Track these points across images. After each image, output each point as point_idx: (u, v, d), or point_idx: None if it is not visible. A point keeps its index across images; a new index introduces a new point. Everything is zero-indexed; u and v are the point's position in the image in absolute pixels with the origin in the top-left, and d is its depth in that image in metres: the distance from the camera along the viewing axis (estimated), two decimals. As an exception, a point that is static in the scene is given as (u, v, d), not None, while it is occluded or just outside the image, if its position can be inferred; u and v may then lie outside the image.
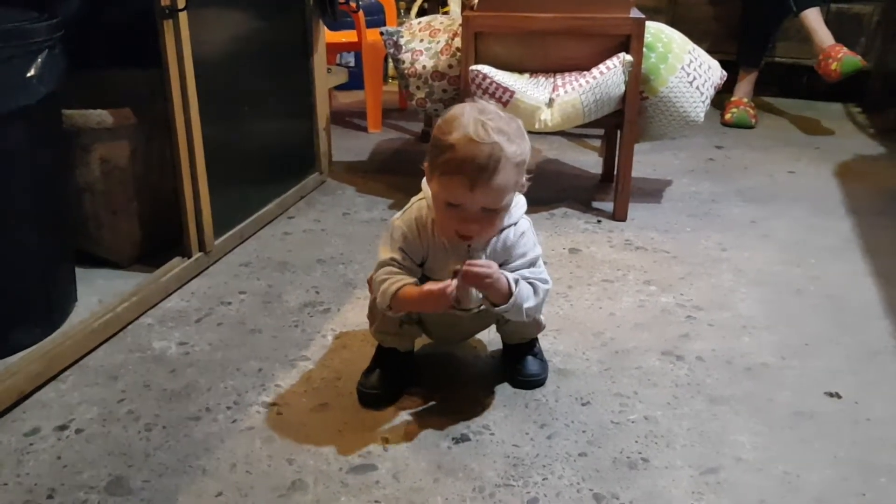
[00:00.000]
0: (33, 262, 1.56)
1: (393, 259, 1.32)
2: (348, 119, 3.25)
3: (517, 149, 1.20)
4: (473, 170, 1.17)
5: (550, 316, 1.52)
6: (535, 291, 1.31)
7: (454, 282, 1.21)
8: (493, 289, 1.26)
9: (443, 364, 1.53)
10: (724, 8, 3.49)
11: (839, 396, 1.42)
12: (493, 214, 1.23)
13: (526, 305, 1.29)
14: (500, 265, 1.29)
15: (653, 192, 2.46)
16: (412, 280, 1.30)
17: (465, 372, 1.51)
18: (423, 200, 1.33)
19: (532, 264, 1.33)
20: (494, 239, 1.32)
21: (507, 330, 1.47)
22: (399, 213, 1.35)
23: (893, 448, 1.28)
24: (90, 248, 1.86)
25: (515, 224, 1.33)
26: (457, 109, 1.22)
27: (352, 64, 3.57)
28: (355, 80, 3.31)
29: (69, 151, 1.73)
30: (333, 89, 3.11)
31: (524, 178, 1.25)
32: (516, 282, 1.28)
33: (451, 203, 1.22)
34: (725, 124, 3.19)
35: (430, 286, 1.24)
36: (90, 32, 1.79)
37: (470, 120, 1.18)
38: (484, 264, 1.24)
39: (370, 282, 1.42)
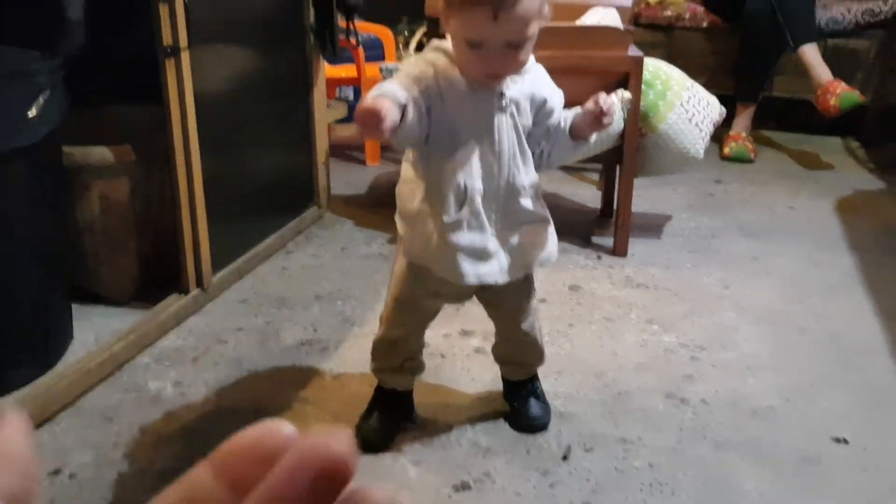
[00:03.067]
0: (31, 300, 1.55)
1: (407, 74, 1.18)
2: (346, 152, 3.25)
3: None
4: None
5: (552, 356, 1.50)
6: None
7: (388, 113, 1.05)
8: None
9: (442, 402, 1.51)
10: (721, 43, 3.50)
11: (846, 442, 1.40)
12: (519, 48, 1.14)
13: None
14: (539, 109, 1.25)
15: (652, 226, 2.45)
16: (398, 99, 1.10)
17: (464, 412, 1.49)
18: (438, 51, 1.22)
19: (562, 102, 1.29)
20: (520, 80, 1.22)
21: (505, 357, 1.46)
22: (414, 59, 1.25)
23: (902, 495, 1.26)
24: (88, 284, 1.84)
25: (534, 66, 1.25)
26: None
27: (351, 98, 3.58)
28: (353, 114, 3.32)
29: (69, 188, 1.72)
30: (332, 122, 3.11)
31: (546, 6, 1.15)
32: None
33: (472, 42, 1.12)
34: (724, 158, 3.19)
35: (375, 104, 1.05)
36: (91, 69, 1.79)
37: None
38: (604, 97, 1.22)
39: (382, 319, 1.40)
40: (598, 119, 1.22)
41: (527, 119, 1.25)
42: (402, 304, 1.36)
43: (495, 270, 1.26)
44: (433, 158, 1.23)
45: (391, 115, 1.06)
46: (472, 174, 1.21)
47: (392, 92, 1.10)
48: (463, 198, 1.21)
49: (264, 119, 2.19)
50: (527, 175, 1.25)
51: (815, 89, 2.98)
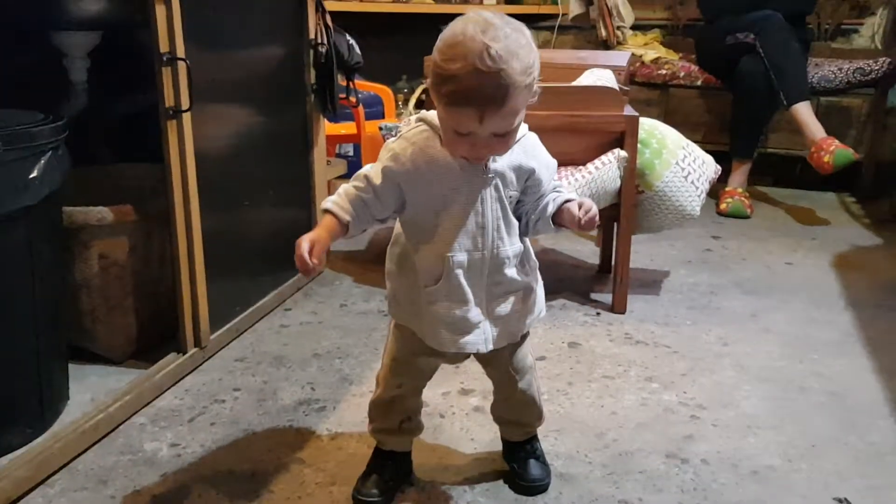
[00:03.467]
0: (27, 360, 1.54)
1: (368, 178, 1.21)
2: (346, 208, 3.27)
3: (526, 68, 1.08)
4: (481, 102, 1.07)
5: (551, 415, 1.49)
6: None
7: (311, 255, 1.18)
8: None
9: (441, 463, 1.50)
10: (715, 101, 3.56)
11: (849, 503, 1.38)
12: (506, 137, 1.14)
13: None
14: (527, 180, 1.24)
15: (651, 283, 2.46)
16: (345, 219, 1.21)
17: (463, 473, 1.47)
18: (421, 125, 1.22)
19: (554, 173, 1.28)
20: (507, 156, 1.21)
21: (504, 417, 1.44)
22: (395, 138, 1.24)
23: (908, 559, 1.24)
24: (84, 343, 1.84)
25: (524, 136, 1.24)
26: (458, 27, 1.09)
27: (351, 154, 3.62)
28: (353, 170, 3.35)
29: (68, 248, 1.73)
30: (332, 179, 3.14)
31: (535, 89, 1.13)
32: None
33: (459, 132, 1.12)
34: (721, 214, 3.22)
35: (309, 237, 1.19)
36: (93, 129, 1.82)
37: (474, 46, 1.05)
38: (589, 205, 1.21)
39: (378, 379, 1.40)
40: (578, 224, 1.22)
41: (513, 190, 1.23)
42: (397, 364, 1.36)
43: (479, 340, 1.26)
44: (415, 229, 1.25)
45: (316, 254, 1.19)
46: (454, 247, 1.21)
47: (338, 209, 1.22)
48: (441, 271, 1.22)
49: (264, 177, 2.21)
50: (511, 246, 1.24)
51: (809, 146, 3.02)
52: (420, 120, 1.22)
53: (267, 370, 1.88)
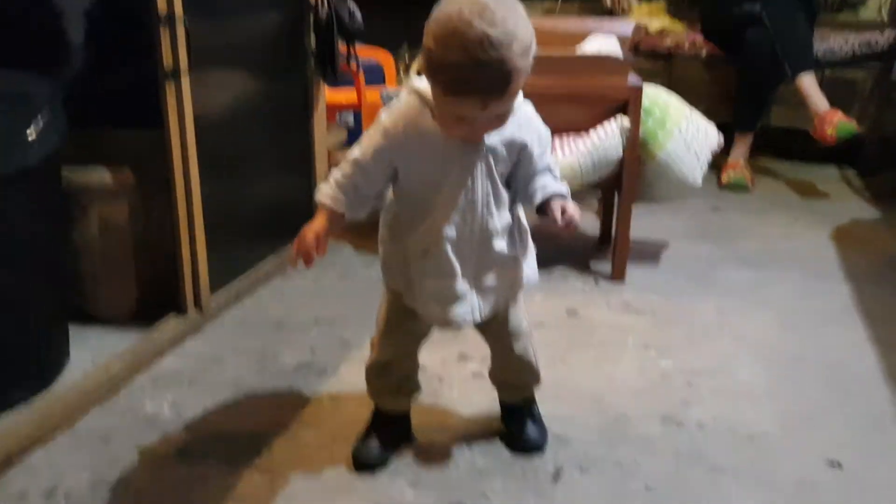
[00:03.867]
0: (28, 320, 1.55)
1: (357, 162, 1.22)
2: (347, 177, 3.26)
3: (526, 49, 1.07)
4: (484, 89, 1.07)
5: (548, 380, 1.50)
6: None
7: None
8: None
9: (439, 424, 1.51)
10: (719, 72, 3.54)
11: (841, 466, 1.39)
12: (503, 115, 1.14)
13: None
14: (518, 154, 1.22)
15: (650, 253, 2.46)
16: (339, 210, 1.23)
17: (461, 434, 1.49)
18: (413, 97, 1.20)
19: (548, 145, 1.27)
20: (502, 132, 1.19)
21: (501, 380, 1.46)
22: (386, 110, 1.23)
23: (899, 522, 1.26)
24: (85, 305, 1.85)
25: (519, 107, 1.21)
26: (451, 9, 1.06)
27: (351, 122, 3.60)
28: (354, 138, 3.34)
29: (68, 211, 1.73)
30: (332, 147, 3.13)
31: (531, 59, 1.10)
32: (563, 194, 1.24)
33: (458, 117, 1.12)
34: (722, 186, 3.21)
35: (314, 229, 1.21)
36: (91, 92, 1.81)
37: (471, 34, 1.03)
38: (571, 214, 1.19)
39: (373, 343, 1.41)
40: (556, 225, 1.21)
41: (504, 166, 1.23)
42: (390, 327, 1.37)
43: (466, 311, 1.27)
44: (405, 202, 1.26)
45: (321, 248, 1.21)
46: (443, 221, 1.21)
47: (330, 201, 1.24)
48: (430, 244, 1.23)
49: (264, 143, 2.21)
50: (500, 219, 1.24)
51: (812, 119, 3.00)
52: (411, 92, 1.21)
53: (267, 334, 1.89)
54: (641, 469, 1.38)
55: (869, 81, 3.40)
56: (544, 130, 1.26)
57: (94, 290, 1.84)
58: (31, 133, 1.43)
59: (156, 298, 1.90)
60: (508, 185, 1.26)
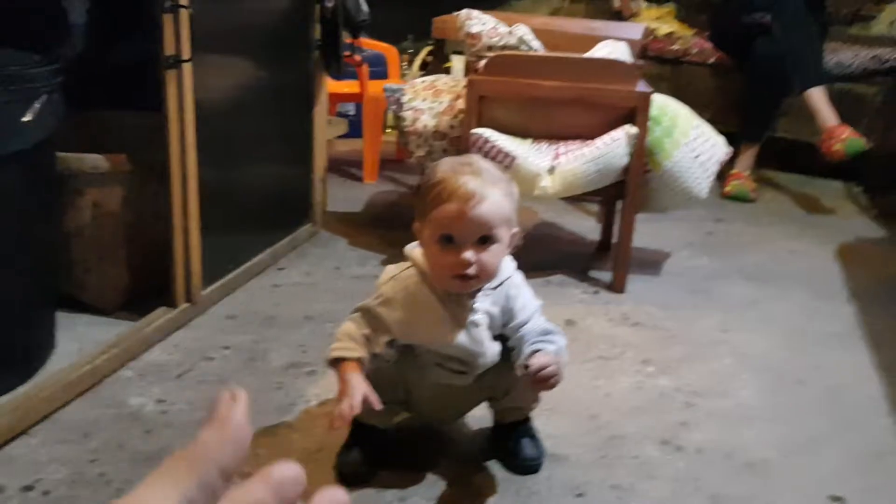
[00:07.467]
0: (13, 306, 1.50)
1: (369, 310, 1.29)
2: (344, 168, 3.21)
3: (502, 179, 1.23)
4: (464, 195, 1.18)
5: (545, 394, 1.46)
6: (562, 345, 1.29)
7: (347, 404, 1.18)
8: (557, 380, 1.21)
9: (427, 440, 1.47)
10: (727, 80, 3.49)
11: (843, 501, 1.36)
12: (488, 246, 1.20)
13: (565, 361, 1.27)
14: (505, 322, 1.29)
15: (651, 263, 2.42)
16: (361, 355, 1.26)
17: (451, 449, 1.45)
18: (411, 269, 1.30)
19: (538, 313, 1.31)
20: (493, 294, 1.27)
21: (502, 406, 1.41)
22: (384, 280, 1.32)
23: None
24: (74, 292, 1.80)
25: (509, 277, 1.30)
26: (436, 164, 1.26)
27: (352, 113, 3.55)
28: (354, 129, 3.29)
29: (61, 195, 1.68)
30: (331, 138, 3.08)
31: (515, 227, 1.24)
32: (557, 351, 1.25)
33: (444, 237, 1.20)
34: (725, 196, 3.17)
35: (348, 384, 1.21)
36: (90, 75, 1.76)
37: (452, 161, 1.25)
38: (547, 361, 1.19)
39: None
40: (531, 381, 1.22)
41: (497, 329, 1.30)
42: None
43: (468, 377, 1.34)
44: (406, 348, 1.33)
45: (375, 400, 1.21)
46: (437, 369, 1.31)
47: (348, 353, 1.26)
48: (427, 379, 1.33)
49: (264, 133, 2.16)
50: (493, 357, 1.31)
51: (821, 133, 2.96)
52: (407, 259, 1.30)
53: (258, 329, 1.85)
54: (638, 494, 1.34)
55: (878, 97, 3.36)
56: (532, 302, 1.31)
57: (84, 277, 1.79)
58: (28, 116, 1.38)
59: (147, 287, 1.85)
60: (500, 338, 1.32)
